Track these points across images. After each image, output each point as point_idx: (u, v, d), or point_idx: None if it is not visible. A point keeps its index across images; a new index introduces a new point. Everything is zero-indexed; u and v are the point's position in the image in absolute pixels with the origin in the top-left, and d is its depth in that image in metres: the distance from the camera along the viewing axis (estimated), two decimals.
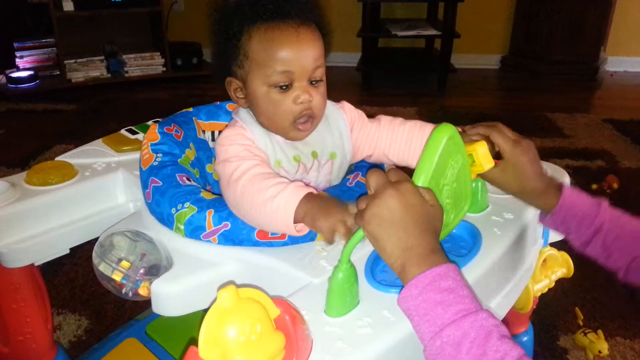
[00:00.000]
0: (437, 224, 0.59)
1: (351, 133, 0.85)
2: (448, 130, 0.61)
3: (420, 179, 0.59)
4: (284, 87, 0.74)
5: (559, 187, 0.76)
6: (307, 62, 0.74)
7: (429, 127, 0.82)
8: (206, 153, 0.92)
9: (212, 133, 0.94)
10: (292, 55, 0.73)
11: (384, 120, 0.86)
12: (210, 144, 0.94)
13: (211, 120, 0.94)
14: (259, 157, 0.75)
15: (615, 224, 0.74)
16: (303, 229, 0.68)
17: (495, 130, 0.75)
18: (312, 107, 0.76)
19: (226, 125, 0.95)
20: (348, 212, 0.63)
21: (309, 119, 0.77)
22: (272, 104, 0.76)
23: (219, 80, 0.81)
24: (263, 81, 0.75)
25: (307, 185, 0.71)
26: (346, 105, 0.86)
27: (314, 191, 0.69)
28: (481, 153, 0.71)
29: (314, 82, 0.76)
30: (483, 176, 0.76)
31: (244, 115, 0.81)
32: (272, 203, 0.67)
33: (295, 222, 0.67)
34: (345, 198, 0.77)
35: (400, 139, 0.83)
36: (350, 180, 0.85)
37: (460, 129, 0.72)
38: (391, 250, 0.56)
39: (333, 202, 0.66)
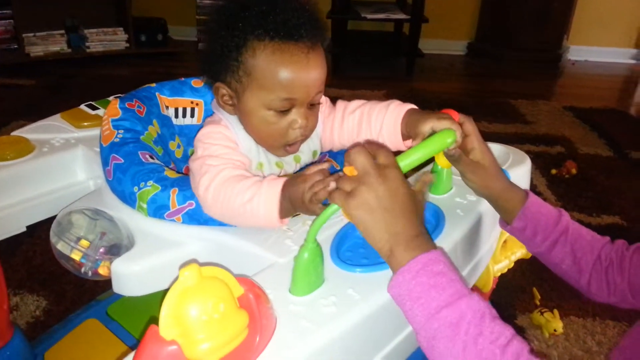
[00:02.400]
0: (420, 208, 0.61)
1: (323, 125, 0.83)
2: (451, 137, 0.66)
3: (403, 167, 0.61)
4: (283, 111, 0.72)
5: (520, 188, 0.77)
6: (311, 89, 0.71)
7: (374, 115, 0.79)
8: (170, 130, 0.90)
9: (176, 109, 0.92)
10: (298, 83, 0.69)
11: (338, 109, 0.83)
12: (174, 120, 0.92)
13: (175, 96, 0.92)
14: (233, 161, 0.72)
15: (575, 226, 0.76)
16: (285, 220, 0.68)
17: (466, 118, 0.73)
18: (306, 131, 0.74)
19: (192, 102, 0.93)
20: (310, 180, 0.62)
21: (299, 142, 0.75)
22: (266, 125, 0.73)
23: (207, 82, 0.77)
24: (262, 103, 0.71)
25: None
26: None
27: (282, 179, 0.67)
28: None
29: (311, 105, 0.74)
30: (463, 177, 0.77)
31: (228, 115, 0.77)
32: (251, 205, 0.66)
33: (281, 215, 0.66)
34: None
35: (349, 131, 0.82)
36: (317, 162, 0.85)
37: (461, 118, 0.72)
38: (379, 236, 0.57)
39: (298, 179, 0.65)
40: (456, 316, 0.52)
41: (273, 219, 0.66)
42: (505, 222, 0.79)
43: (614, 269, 0.72)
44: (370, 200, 0.57)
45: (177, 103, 0.92)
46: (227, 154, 0.72)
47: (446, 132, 0.66)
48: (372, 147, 0.60)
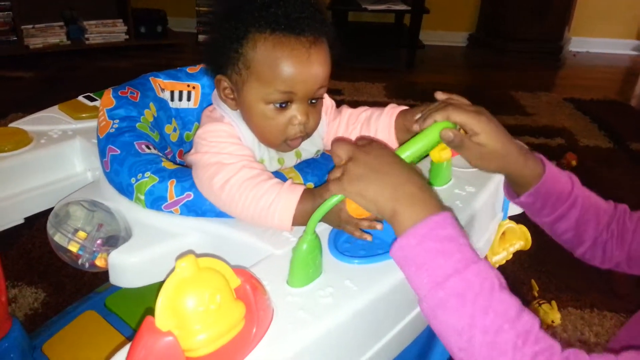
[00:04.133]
0: (418, 173, 0.59)
1: (327, 127, 0.83)
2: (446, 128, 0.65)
3: (404, 155, 0.61)
4: (282, 106, 0.70)
5: (537, 160, 0.72)
6: (312, 85, 0.69)
7: (372, 120, 0.80)
8: (167, 113, 0.89)
9: (172, 92, 0.91)
10: (298, 78, 0.68)
11: (343, 115, 0.84)
12: (170, 104, 0.91)
13: (171, 79, 0.91)
14: (245, 157, 0.71)
15: (585, 196, 0.73)
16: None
17: (450, 110, 0.66)
18: (306, 128, 0.73)
19: (188, 85, 0.91)
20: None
21: (300, 137, 0.74)
22: (265, 120, 0.71)
23: (209, 74, 0.77)
24: (260, 97, 0.70)
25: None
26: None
27: (303, 187, 0.68)
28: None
29: (313, 101, 0.72)
30: (466, 158, 0.71)
31: (230, 111, 0.75)
32: (268, 212, 0.67)
33: (293, 224, 0.67)
34: (312, 169, 0.78)
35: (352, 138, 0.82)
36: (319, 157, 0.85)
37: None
38: (378, 199, 0.56)
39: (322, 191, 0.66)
40: (463, 286, 0.49)
41: (285, 226, 0.67)
42: (514, 193, 0.75)
43: (614, 242, 0.70)
44: (359, 171, 0.57)
45: (173, 86, 0.91)
46: (237, 150, 0.72)
47: (439, 125, 0.65)
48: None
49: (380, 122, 0.79)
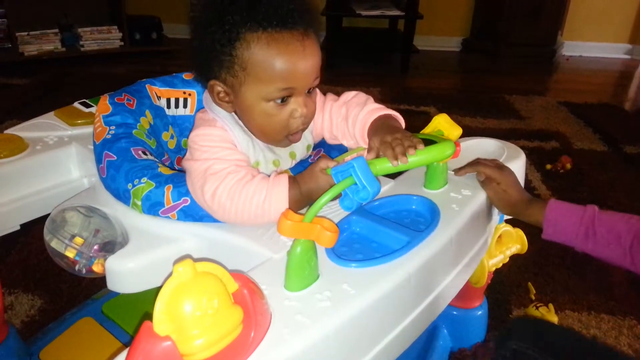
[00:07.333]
0: None
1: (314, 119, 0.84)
2: (451, 148, 0.69)
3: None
4: (283, 101, 0.71)
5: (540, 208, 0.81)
6: (310, 77, 0.71)
7: (350, 118, 0.80)
8: (163, 120, 0.89)
9: (168, 100, 0.91)
10: (296, 72, 0.69)
11: (326, 109, 0.84)
12: (167, 111, 0.91)
13: (167, 87, 0.91)
14: (235, 162, 0.71)
15: (604, 230, 0.75)
16: None
17: (480, 166, 0.84)
18: (307, 118, 0.74)
19: (184, 92, 0.92)
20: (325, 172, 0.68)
21: (301, 130, 0.75)
22: (267, 117, 0.72)
23: (199, 79, 0.77)
24: (261, 96, 0.70)
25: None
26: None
27: (287, 175, 0.70)
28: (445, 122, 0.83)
29: (309, 91, 0.73)
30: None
31: (224, 114, 0.76)
32: (263, 209, 0.68)
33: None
34: None
35: (336, 128, 0.83)
36: (312, 157, 0.85)
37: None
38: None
39: (310, 174, 0.69)
40: None
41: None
42: None
43: None
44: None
45: (169, 94, 0.91)
46: (228, 155, 0.72)
47: (446, 143, 0.67)
48: None
49: (357, 126, 0.78)
